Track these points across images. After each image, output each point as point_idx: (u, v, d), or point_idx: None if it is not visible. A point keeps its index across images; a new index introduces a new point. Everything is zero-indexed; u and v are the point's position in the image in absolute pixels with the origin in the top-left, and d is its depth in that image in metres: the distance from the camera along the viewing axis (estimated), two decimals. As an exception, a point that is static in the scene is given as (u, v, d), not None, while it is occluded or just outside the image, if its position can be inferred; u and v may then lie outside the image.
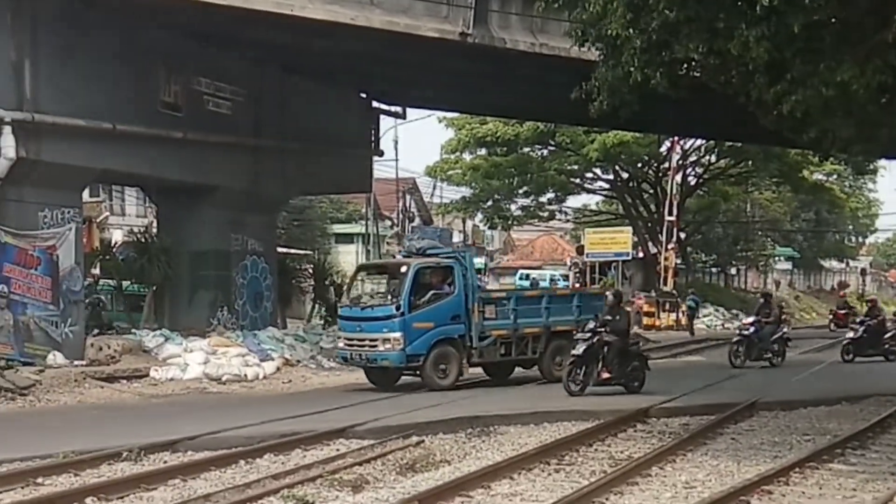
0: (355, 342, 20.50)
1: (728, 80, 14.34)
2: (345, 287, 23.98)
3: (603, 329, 18.58)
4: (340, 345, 21.42)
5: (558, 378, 19.42)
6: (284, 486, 10.85)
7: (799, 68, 12.84)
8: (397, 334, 19.70)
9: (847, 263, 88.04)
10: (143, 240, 27.11)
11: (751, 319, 26.08)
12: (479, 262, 73.66)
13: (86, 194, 27.37)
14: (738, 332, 26.99)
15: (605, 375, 18.40)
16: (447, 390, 19.40)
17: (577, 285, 56.74)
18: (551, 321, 21.52)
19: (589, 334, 18.52)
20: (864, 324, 27.26)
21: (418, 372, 20.12)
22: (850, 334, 27.39)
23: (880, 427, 14.77)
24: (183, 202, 26.33)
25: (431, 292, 20.25)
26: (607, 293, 21.28)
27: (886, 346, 26.87)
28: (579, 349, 18.44)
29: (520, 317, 21.20)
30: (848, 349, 26.81)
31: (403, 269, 20.37)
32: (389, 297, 20.56)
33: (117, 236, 38.47)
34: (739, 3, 12.11)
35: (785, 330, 26.57)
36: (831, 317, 45.27)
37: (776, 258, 75.65)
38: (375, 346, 20.04)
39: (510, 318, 21.08)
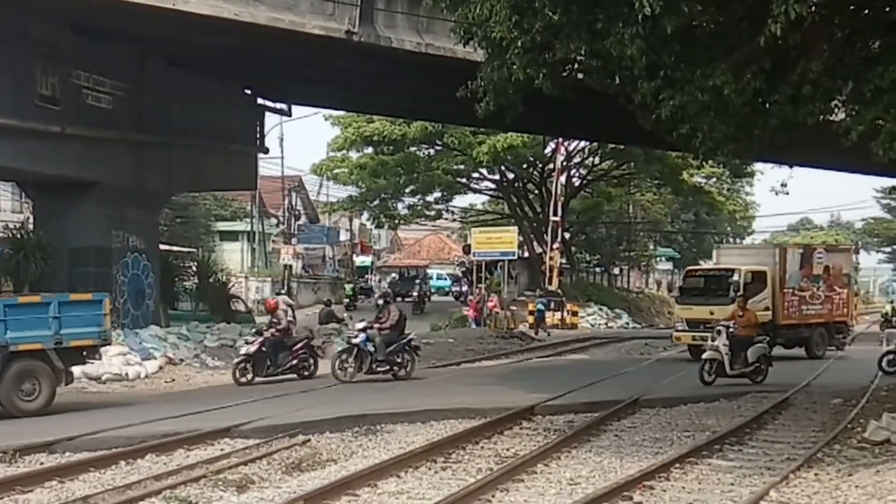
0: None
1: (611, 82, 14.59)
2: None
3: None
4: None
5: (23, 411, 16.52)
6: (167, 487, 10.67)
7: (676, 72, 13.14)
8: None
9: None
10: (18, 236, 26.38)
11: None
12: (366, 260, 73.87)
13: (-42, 189, 26.57)
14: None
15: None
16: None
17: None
18: (11, 338, 16.67)
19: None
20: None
21: None
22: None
23: (756, 423, 15.16)
24: (62, 197, 25.68)
25: None
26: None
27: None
28: (354, 341, 20.94)
29: None
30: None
31: None
32: None
33: (-8, 232, 37.29)
34: (620, 6, 12.33)
35: (412, 337, 21.99)
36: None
37: (658, 258, 77.19)
38: None
39: None
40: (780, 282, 26.32)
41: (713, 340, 20.03)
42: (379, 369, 21.02)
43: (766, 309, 25.56)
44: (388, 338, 21.06)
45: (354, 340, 21.09)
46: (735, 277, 25.40)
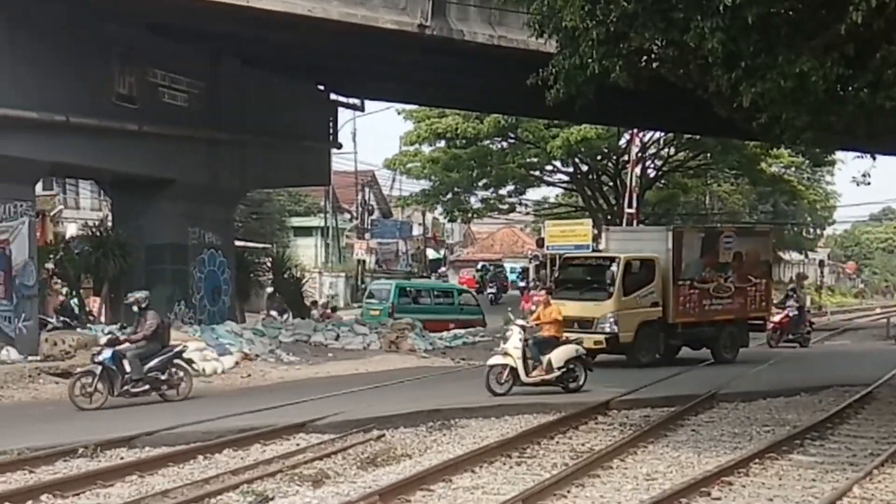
0: None
1: (686, 72, 14.39)
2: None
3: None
4: None
5: None
6: (244, 482, 10.74)
7: (756, 60, 12.92)
8: None
9: (806, 255, 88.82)
10: (97, 233, 26.82)
11: None
12: (437, 254, 73.95)
13: (39, 187, 27.00)
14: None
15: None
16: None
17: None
18: None
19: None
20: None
21: None
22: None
23: (839, 418, 14.87)
24: (139, 195, 26.06)
25: None
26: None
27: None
28: (98, 358, 16.77)
29: None
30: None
31: None
32: None
33: (72, 230, 38.01)
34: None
35: (180, 348, 18.19)
36: None
37: (734, 250, 76.17)
38: None
39: None
40: (674, 272, 22.47)
41: (504, 343, 17.35)
42: (136, 390, 17.00)
43: (655, 304, 22.21)
44: (143, 352, 17.12)
45: (98, 358, 16.88)
46: (613, 267, 22.01)
